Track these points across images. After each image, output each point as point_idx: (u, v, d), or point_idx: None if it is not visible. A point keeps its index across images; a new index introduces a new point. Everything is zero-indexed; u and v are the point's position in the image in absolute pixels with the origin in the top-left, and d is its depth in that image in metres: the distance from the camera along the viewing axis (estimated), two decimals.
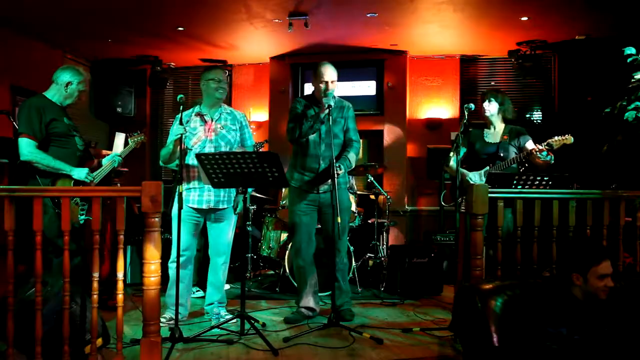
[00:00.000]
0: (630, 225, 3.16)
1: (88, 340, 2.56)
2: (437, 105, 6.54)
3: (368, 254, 4.99)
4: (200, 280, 4.35)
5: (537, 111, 6.44)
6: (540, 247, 3.06)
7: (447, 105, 6.52)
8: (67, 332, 2.44)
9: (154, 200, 2.47)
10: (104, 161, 3.60)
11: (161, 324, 2.67)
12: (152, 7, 4.96)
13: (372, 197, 5.34)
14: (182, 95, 3.29)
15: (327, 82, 3.51)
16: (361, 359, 2.89)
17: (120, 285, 2.55)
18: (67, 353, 2.43)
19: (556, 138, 3.50)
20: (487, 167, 3.72)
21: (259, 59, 6.72)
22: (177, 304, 3.14)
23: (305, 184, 3.60)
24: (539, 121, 6.42)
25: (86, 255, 3.33)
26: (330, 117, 3.38)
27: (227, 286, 4.40)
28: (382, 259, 5.00)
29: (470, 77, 6.59)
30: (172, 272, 3.45)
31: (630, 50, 2.76)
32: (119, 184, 4.24)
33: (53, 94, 3.41)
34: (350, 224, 4.63)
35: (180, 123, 3.31)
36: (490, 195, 2.89)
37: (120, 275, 2.56)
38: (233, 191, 3.58)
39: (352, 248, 4.40)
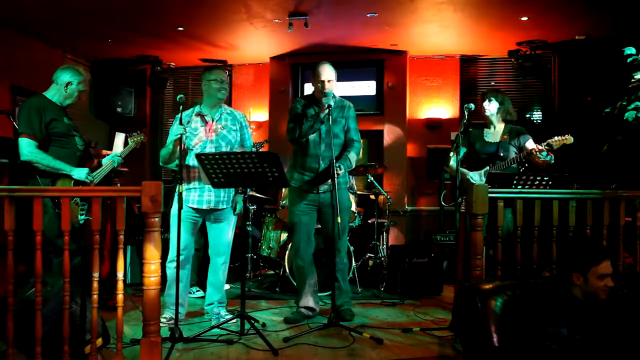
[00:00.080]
0: (630, 225, 3.16)
1: (88, 340, 2.56)
2: (437, 105, 6.54)
3: (368, 254, 4.99)
4: (200, 280, 4.35)
5: (537, 111, 6.44)
6: (540, 247, 3.06)
7: (447, 105, 6.52)
8: (67, 332, 2.44)
9: (154, 200, 2.48)
10: (104, 161, 3.60)
11: (161, 324, 2.67)
12: (152, 7, 4.96)
13: (372, 197, 5.34)
14: (182, 95, 3.29)
15: (324, 82, 3.51)
16: (361, 359, 2.89)
17: (120, 285, 2.55)
18: (67, 353, 2.43)
19: (556, 138, 3.50)
20: (487, 167, 3.72)
21: (259, 59, 6.72)
22: (177, 304, 3.14)
23: (305, 184, 3.60)
24: (539, 121, 6.42)
25: (86, 255, 3.33)
26: (330, 117, 3.38)
27: (227, 286, 4.40)
28: (382, 259, 5.00)
29: (470, 77, 6.59)
30: (170, 271, 3.46)
31: (630, 50, 2.75)
32: (119, 184, 4.24)
33: (53, 94, 3.41)
34: (350, 224, 4.63)
35: (180, 123, 3.31)
36: (490, 195, 2.89)
37: (120, 275, 2.56)
38: (233, 191, 3.58)
39: (352, 248, 4.40)
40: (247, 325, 3.22)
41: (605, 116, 2.89)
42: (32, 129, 3.22)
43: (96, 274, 2.52)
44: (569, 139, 3.48)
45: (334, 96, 3.50)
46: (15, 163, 3.44)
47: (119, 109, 6.78)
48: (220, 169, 3.06)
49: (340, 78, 3.65)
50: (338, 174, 3.37)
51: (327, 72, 3.53)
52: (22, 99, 5.17)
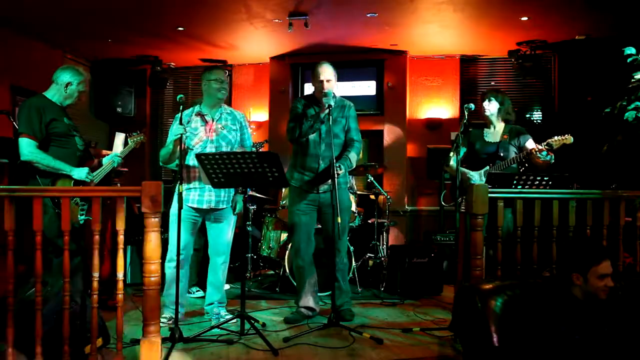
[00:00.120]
0: (630, 225, 3.16)
1: (88, 340, 2.56)
2: (437, 105, 6.54)
3: (368, 254, 4.99)
4: (200, 280, 4.34)
5: (537, 111, 6.44)
6: (540, 247, 3.06)
7: (447, 105, 6.52)
8: (67, 332, 2.44)
9: (154, 200, 2.48)
10: (104, 161, 3.60)
11: (161, 324, 2.67)
12: (152, 7, 4.96)
13: (372, 197, 5.34)
14: (182, 95, 3.29)
15: (323, 82, 3.51)
16: (361, 359, 2.89)
17: (120, 285, 2.55)
18: (67, 353, 2.43)
19: (556, 138, 3.50)
20: (487, 167, 3.72)
21: (259, 59, 6.72)
22: (177, 304, 3.14)
23: (305, 183, 3.60)
24: (539, 121, 6.42)
25: (86, 255, 3.33)
26: (331, 117, 3.38)
27: (227, 286, 4.40)
28: (382, 259, 5.00)
29: (470, 77, 6.59)
30: (169, 271, 3.46)
31: (630, 50, 2.75)
32: (119, 184, 4.24)
33: (53, 94, 3.41)
34: (350, 224, 4.63)
35: (180, 123, 3.31)
36: (490, 195, 2.89)
37: (120, 275, 2.56)
38: (233, 191, 3.58)
39: (352, 248, 4.40)
40: (247, 325, 3.22)
41: (605, 116, 2.89)
42: (32, 129, 3.22)
43: (96, 274, 2.52)
44: (568, 138, 3.48)
45: (334, 96, 3.50)
46: (15, 163, 3.43)
47: (119, 109, 6.78)
48: (220, 169, 3.06)
49: (340, 78, 3.65)
50: (338, 174, 3.37)
51: (327, 72, 3.53)
52: (22, 99, 5.17)
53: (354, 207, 4.65)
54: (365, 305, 4.16)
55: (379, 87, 6.56)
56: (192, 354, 2.93)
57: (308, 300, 3.67)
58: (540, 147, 3.51)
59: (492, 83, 6.46)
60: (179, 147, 3.30)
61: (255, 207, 5.29)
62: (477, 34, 5.73)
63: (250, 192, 4.80)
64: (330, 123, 3.38)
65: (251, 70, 6.95)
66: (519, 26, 5.39)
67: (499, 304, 2.19)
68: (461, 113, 4.69)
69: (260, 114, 6.86)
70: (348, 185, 3.99)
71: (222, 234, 3.58)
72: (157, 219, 2.52)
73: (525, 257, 3.03)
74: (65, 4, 4.77)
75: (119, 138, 3.83)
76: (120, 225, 2.54)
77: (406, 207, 6.42)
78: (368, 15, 5.12)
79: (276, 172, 3.07)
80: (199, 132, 3.53)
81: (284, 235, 4.92)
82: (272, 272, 5.38)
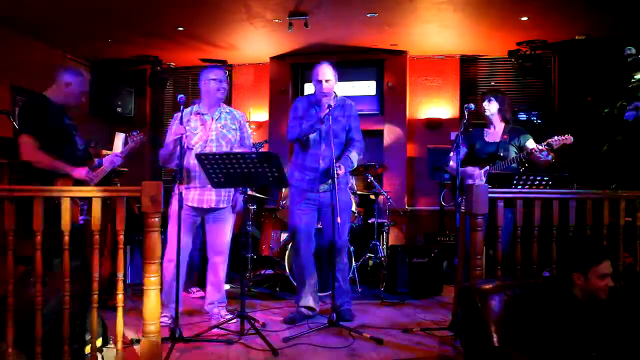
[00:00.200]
0: (630, 225, 3.16)
1: (88, 340, 2.55)
2: (437, 105, 6.54)
3: (368, 254, 4.99)
4: (200, 280, 4.34)
5: (537, 111, 6.43)
6: (540, 247, 3.06)
7: (447, 105, 6.52)
8: (67, 332, 2.44)
9: (154, 200, 2.47)
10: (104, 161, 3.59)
11: (161, 324, 2.67)
12: (152, 7, 4.96)
13: (372, 197, 5.34)
14: (182, 95, 3.29)
15: (322, 82, 3.51)
16: (361, 359, 2.89)
17: (120, 285, 2.55)
18: (67, 353, 2.43)
19: (556, 138, 3.50)
20: (487, 167, 3.72)
21: (259, 59, 6.72)
22: (177, 304, 3.13)
23: (305, 183, 3.60)
24: (539, 121, 6.41)
25: (86, 256, 3.32)
26: (331, 117, 3.38)
27: (227, 286, 4.39)
28: (382, 259, 5.00)
29: (470, 77, 6.59)
30: (168, 271, 3.45)
31: (630, 50, 2.76)
32: (119, 184, 4.24)
33: (53, 94, 3.40)
34: (351, 224, 4.63)
35: (181, 123, 3.31)
36: (490, 195, 2.89)
37: (120, 275, 2.56)
38: (232, 190, 3.58)
39: (352, 248, 4.40)
40: (247, 325, 3.22)
41: (605, 116, 2.89)
42: (32, 129, 3.22)
43: (96, 274, 2.52)
44: (568, 138, 3.48)
45: (335, 96, 3.50)
46: (15, 163, 3.43)
47: (118, 109, 6.77)
48: (220, 169, 3.06)
49: (340, 78, 3.65)
50: (338, 174, 3.37)
51: (326, 72, 3.53)
52: (22, 99, 5.17)
53: (354, 207, 4.65)
54: (365, 305, 4.16)
55: (379, 87, 6.56)
56: (192, 354, 2.94)
57: (308, 300, 3.67)
58: (540, 147, 3.51)
59: (492, 83, 6.46)
60: (179, 147, 3.30)
61: (255, 207, 5.28)
62: (477, 34, 5.73)
63: (250, 192, 4.80)
64: (331, 123, 3.38)
65: (251, 70, 6.95)
66: (519, 26, 5.39)
67: (499, 304, 2.19)
68: (461, 113, 4.70)
69: (260, 114, 6.86)
70: (349, 185, 3.99)
71: (222, 234, 3.58)
72: (157, 219, 2.51)
73: (525, 257, 3.03)
74: (65, 4, 4.77)
75: (119, 138, 3.83)
76: (120, 225, 2.54)
77: (406, 207, 6.42)
78: (368, 15, 5.12)
79: (276, 172, 3.07)
80: (198, 131, 3.52)
81: (284, 235, 4.92)
82: (272, 272, 5.37)
